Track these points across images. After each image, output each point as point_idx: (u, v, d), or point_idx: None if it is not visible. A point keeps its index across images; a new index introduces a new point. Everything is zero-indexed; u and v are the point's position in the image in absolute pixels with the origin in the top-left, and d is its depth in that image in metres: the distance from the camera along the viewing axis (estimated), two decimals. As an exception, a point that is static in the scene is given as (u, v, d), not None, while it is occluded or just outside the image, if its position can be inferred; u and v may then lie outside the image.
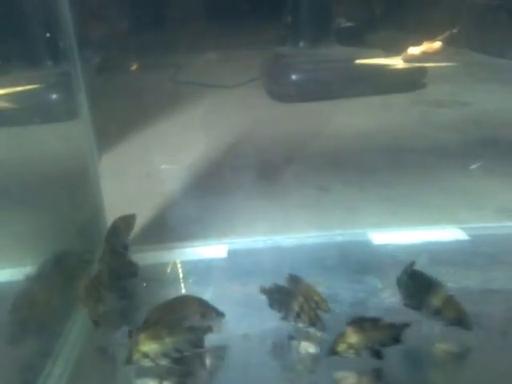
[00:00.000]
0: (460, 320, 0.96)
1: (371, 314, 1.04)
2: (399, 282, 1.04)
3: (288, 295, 1.04)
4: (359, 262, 1.24)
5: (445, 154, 1.73)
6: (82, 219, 1.25)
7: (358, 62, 2.55)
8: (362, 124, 2.03)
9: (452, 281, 1.15)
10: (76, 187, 1.25)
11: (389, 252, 1.28)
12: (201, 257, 1.25)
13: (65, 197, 1.18)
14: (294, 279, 1.11)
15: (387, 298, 1.13)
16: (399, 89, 2.46)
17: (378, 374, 0.96)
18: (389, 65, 2.59)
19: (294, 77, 2.41)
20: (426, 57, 2.87)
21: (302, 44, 2.59)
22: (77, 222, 1.22)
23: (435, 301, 0.98)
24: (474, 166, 1.52)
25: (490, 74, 2.56)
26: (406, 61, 2.94)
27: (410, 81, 2.50)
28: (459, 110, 2.16)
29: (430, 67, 2.74)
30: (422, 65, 2.56)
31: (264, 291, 1.07)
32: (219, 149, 1.81)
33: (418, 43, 2.94)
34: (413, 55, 2.91)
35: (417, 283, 1.01)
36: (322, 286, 1.11)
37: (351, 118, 2.11)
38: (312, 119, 2.14)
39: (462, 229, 1.34)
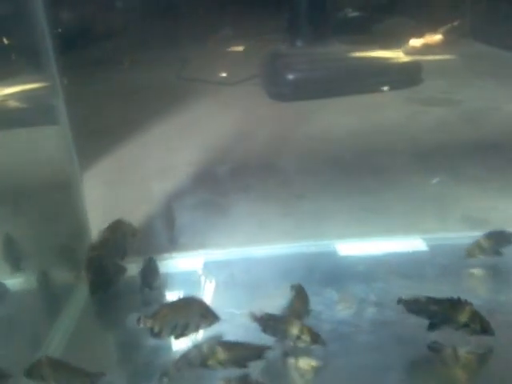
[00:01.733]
0: (485, 329, 1.05)
1: (324, 326, 1.14)
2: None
3: (283, 322, 1.09)
4: (322, 274, 1.33)
5: (425, 158, 1.78)
6: (62, 235, 1.31)
7: (354, 60, 2.59)
8: (350, 125, 2.09)
9: (403, 293, 1.23)
10: (54, 199, 1.29)
11: (350, 263, 1.36)
12: (172, 269, 1.36)
13: (41, 210, 1.22)
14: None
15: (341, 311, 1.22)
16: (395, 85, 2.50)
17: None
18: (385, 61, 2.62)
19: (289, 77, 2.47)
20: (426, 49, 2.87)
21: (299, 43, 2.63)
22: (56, 237, 1.28)
23: (463, 317, 1.05)
24: (434, 181, 1.57)
25: (488, 68, 2.56)
26: (407, 53, 2.96)
27: (406, 77, 2.52)
28: (450, 109, 2.19)
29: (429, 60, 2.76)
30: (417, 60, 2.58)
31: (256, 319, 1.10)
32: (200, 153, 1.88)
33: (419, 35, 2.94)
34: (414, 47, 2.92)
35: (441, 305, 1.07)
36: (280, 298, 1.20)
37: (341, 118, 2.17)
38: (302, 120, 2.20)
39: (422, 239, 1.41)
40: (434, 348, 1.06)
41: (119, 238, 1.35)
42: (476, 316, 1.05)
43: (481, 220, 1.49)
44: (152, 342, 1.10)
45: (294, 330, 1.09)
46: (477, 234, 1.43)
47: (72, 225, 1.36)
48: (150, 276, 1.28)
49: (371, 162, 1.77)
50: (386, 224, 1.49)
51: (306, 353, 1.08)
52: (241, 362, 1.04)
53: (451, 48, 2.88)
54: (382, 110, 2.24)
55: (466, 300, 1.06)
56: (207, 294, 1.26)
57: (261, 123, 2.16)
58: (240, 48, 3.08)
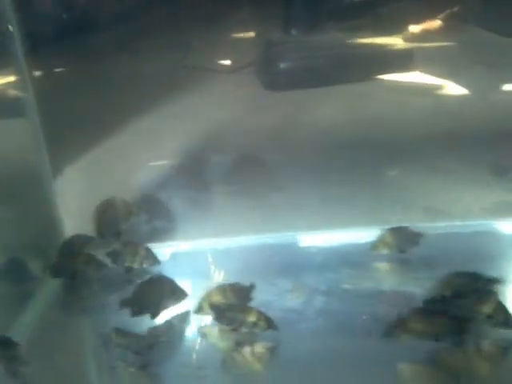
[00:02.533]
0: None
1: (273, 314, 1.21)
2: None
3: (240, 310, 1.17)
4: (281, 265, 1.40)
5: (400, 150, 1.81)
6: (30, 229, 1.36)
7: (347, 48, 2.61)
8: (334, 116, 2.13)
9: (351, 283, 1.30)
10: (22, 193, 1.32)
11: (308, 254, 1.43)
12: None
13: (8, 203, 1.26)
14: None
15: (293, 300, 1.29)
16: (387, 73, 2.51)
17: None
18: (379, 49, 2.63)
19: (281, 65, 2.51)
20: (425, 35, 2.86)
21: (293, 31, 2.66)
22: (23, 231, 1.32)
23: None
24: (392, 173, 1.61)
25: (483, 57, 2.54)
26: (406, 40, 2.95)
27: (397, 65, 2.53)
28: (436, 100, 2.21)
29: (425, 48, 2.76)
30: (408, 47, 2.58)
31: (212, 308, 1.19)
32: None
33: (419, 20, 2.93)
34: (413, 34, 2.91)
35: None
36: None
37: (327, 109, 2.20)
38: (288, 111, 2.24)
39: (382, 230, 1.46)
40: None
41: (109, 220, 1.44)
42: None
43: (443, 212, 1.54)
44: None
45: (252, 317, 1.17)
46: (438, 225, 1.49)
47: (41, 219, 1.42)
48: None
49: (348, 154, 1.81)
50: (349, 215, 1.54)
51: (256, 339, 1.17)
52: None
53: (451, 35, 2.86)
54: (368, 100, 2.26)
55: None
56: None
57: (249, 113, 2.21)
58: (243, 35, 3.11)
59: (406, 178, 1.66)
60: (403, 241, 1.36)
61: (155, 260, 1.36)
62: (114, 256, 1.35)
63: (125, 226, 1.43)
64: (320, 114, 2.15)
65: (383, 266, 1.36)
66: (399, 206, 1.54)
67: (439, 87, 2.36)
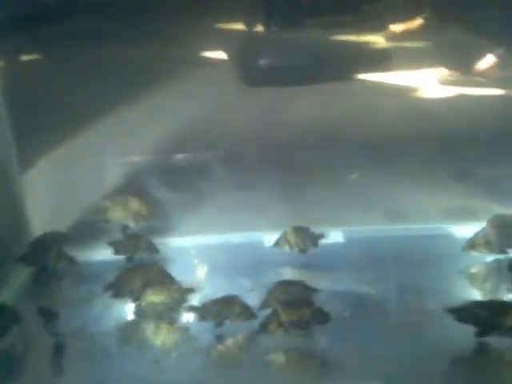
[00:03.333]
0: None
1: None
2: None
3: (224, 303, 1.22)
4: (245, 264, 1.44)
5: (365, 152, 1.85)
6: None
7: (328, 46, 2.63)
8: (308, 116, 2.16)
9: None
10: None
11: (271, 254, 1.48)
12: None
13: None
14: None
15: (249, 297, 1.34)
16: (366, 72, 2.54)
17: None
18: (359, 48, 2.65)
19: (260, 62, 2.53)
20: (406, 34, 2.89)
21: (273, 28, 2.68)
22: None
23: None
24: (353, 176, 1.65)
25: (459, 57, 2.57)
26: (387, 39, 2.98)
27: (376, 64, 2.56)
28: (407, 100, 2.24)
29: (404, 47, 2.79)
30: (384, 47, 2.61)
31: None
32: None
33: (401, 19, 2.95)
34: (394, 32, 2.93)
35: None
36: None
37: (302, 108, 2.23)
38: (261, 108, 2.27)
39: (341, 231, 1.51)
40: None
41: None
42: None
43: (401, 214, 1.58)
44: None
45: (237, 309, 1.21)
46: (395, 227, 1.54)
47: (6, 217, 1.44)
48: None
49: (315, 155, 1.85)
50: (311, 216, 1.59)
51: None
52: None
53: (431, 34, 2.89)
54: (343, 100, 2.30)
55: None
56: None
57: (224, 109, 2.24)
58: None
59: (367, 179, 1.70)
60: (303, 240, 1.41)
61: (155, 250, 1.39)
62: (116, 246, 1.38)
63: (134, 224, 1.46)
64: (293, 113, 2.18)
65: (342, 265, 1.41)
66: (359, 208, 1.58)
67: (414, 89, 2.40)
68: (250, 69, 2.56)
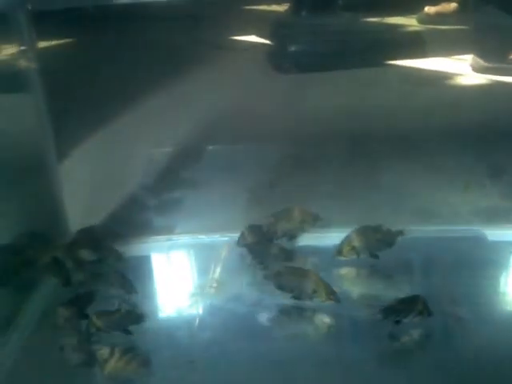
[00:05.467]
0: None
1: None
2: None
3: (300, 275, 1.22)
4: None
5: (395, 144, 1.80)
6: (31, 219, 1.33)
7: (358, 32, 2.56)
8: (333, 105, 2.11)
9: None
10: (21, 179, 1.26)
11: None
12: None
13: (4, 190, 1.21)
14: None
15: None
16: (396, 58, 2.47)
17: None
18: (390, 33, 2.57)
19: (290, 49, 2.48)
20: (440, 18, 2.78)
21: (303, 13, 2.61)
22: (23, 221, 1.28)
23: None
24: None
25: (496, 43, 2.47)
26: (420, 22, 2.88)
27: (407, 50, 2.48)
28: (441, 91, 2.17)
29: (439, 31, 2.69)
30: (419, 31, 2.53)
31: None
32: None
33: (435, 2, 2.85)
34: (428, 15, 2.83)
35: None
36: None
37: (328, 97, 2.19)
38: (288, 98, 2.22)
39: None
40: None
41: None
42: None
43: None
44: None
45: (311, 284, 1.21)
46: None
47: (42, 209, 1.40)
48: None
49: (340, 148, 1.81)
50: (341, 214, 1.55)
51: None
52: None
53: (467, 18, 2.78)
54: (374, 88, 2.24)
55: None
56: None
57: (250, 97, 2.21)
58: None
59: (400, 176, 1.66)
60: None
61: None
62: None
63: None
64: (320, 103, 2.14)
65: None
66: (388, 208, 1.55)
67: (448, 77, 2.32)
68: (280, 56, 2.52)
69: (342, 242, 1.33)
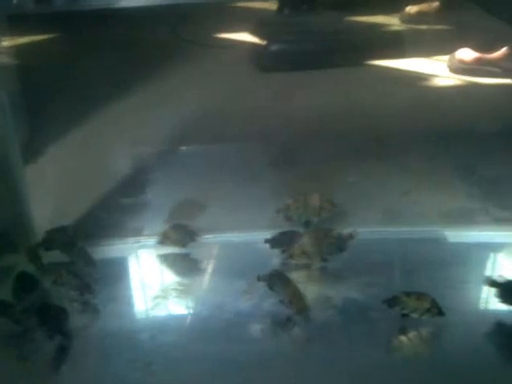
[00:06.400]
0: None
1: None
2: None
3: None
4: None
5: (369, 145, 1.83)
6: None
7: (341, 31, 2.59)
8: (310, 104, 2.13)
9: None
10: None
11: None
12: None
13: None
14: None
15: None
16: (376, 58, 2.50)
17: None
18: (369, 32, 2.61)
19: (272, 47, 2.51)
20: (421, 17, 2.81)
21: (286, 12, 2.64)
22: None
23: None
24: (351, 179, 1.63)
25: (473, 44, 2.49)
26: (403, 21, 2.91)
27: (387, 49, 2.51)
28: (417, 91, 2.20)
29: (419, 31, 2.73)
30: (398, 30, 2.56)
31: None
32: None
33: (417, 1, 2.87)
34: (410, 15, 2.86)
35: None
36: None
37: (306, 96, 2.21)
38: (270, 94, 2.25)
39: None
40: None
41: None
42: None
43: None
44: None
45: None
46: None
47: (7, 207, 1.42)
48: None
49: (315, 148, 1.84)
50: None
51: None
52: None
53: (449, 18, 2.82)
54: (352, 88, 2.27)
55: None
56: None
57: (230, 96, 2.23)
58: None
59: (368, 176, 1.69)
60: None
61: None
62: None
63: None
64: (298, 101, 2.17)
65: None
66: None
67: (425, 77, 2.35)
68: (262, 54, 2.54)
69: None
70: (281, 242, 1.39)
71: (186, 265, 1.40)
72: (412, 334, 1.17)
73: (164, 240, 1.43)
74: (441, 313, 1.18)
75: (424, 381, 1.09)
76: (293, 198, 1.46)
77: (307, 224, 1.45)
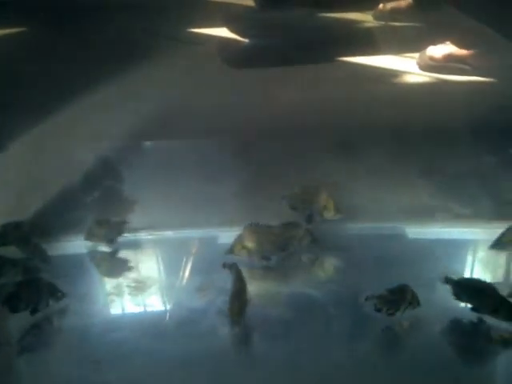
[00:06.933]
0: None
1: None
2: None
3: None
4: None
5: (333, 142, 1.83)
6: None
7: (312, 27, 2.58)
8: (275, 103, 2.12)
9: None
10: None
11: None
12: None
13: None
14: None
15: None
16: (347, 54, 2.49)
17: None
18: (342, 29, 2.60)
19: (243, 43, 2.49)
20: (393, 14, 2.81)
21: (259, 7, 2.63)
22: None
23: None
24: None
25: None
26: (376, 18, 2.91)
27: (359, 46, 2.51)
28: (386, 88, 2.20)
29: (390, 28, 2.73)
30: (371, 27, 2.56)
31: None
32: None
33: (390, -1, 2.87)
34: (382, 12, 2.86)
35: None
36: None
37: (275, 92, 2.19)
38: (236, 91, 2.23)
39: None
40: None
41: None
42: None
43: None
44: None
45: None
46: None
47: None
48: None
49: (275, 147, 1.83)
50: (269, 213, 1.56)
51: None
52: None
53: (420, 15, 2.82)
54: (322, 86, 2.26)
55: None
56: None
57: (195, 91, 2.21)
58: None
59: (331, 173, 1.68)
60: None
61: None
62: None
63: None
64: (268, 98, 2.15)
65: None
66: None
67: (395, 74, 2.34)
68: (233, 50, 2.53)
69: (235, 241, 1.33)
70: None
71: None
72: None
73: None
74: (418, 303, 1.19)
75: (380, 376, 1.08)
76: (302, 188, 1.47)
77: (309, 218, 1.43)
